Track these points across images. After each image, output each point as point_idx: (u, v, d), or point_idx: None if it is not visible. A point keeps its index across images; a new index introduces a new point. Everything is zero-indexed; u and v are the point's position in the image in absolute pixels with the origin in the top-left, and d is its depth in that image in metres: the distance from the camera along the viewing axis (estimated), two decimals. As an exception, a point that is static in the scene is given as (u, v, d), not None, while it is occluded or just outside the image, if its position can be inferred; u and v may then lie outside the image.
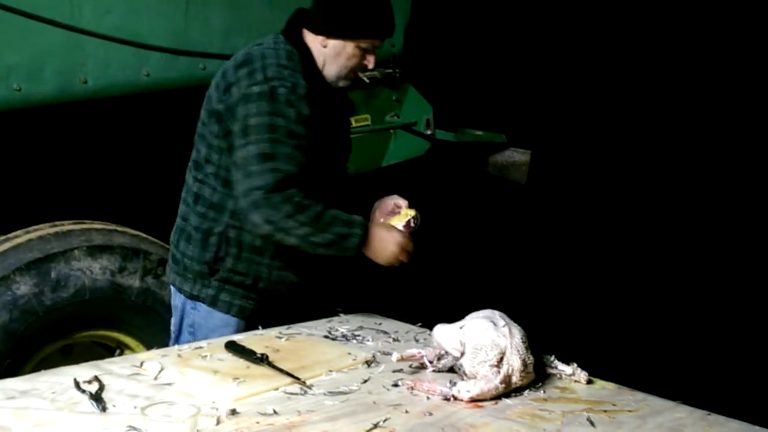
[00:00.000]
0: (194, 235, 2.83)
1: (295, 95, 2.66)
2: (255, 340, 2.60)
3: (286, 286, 2.86)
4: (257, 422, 2.04)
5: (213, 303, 2.83)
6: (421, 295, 5.34)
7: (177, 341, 2.89)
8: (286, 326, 2.77)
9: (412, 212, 2.75)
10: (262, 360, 2.38)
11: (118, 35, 3.33)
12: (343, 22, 2.70)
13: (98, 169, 3.70)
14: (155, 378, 2.31)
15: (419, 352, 2.41)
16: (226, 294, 2.83)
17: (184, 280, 2.86)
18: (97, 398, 2.13)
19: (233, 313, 2.84)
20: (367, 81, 2.77)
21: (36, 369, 2.88)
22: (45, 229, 3.27)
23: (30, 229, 3.28)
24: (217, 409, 2.09)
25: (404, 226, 2.73)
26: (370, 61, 2.75)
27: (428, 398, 2.22)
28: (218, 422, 2.03)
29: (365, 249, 2.69)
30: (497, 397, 2.22)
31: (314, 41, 2.74)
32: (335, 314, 2.91)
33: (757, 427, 2.13)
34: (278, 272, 2.83)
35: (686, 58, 8.03)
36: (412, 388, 2.27)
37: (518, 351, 2.27)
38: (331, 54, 2.73)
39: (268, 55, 2.73)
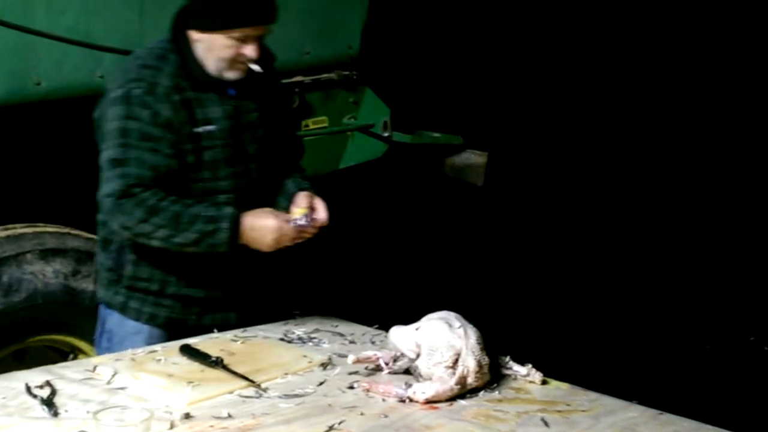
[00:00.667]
0: (99, 243, 2.82)
1: (153, 96, 2.59)
2: (210, 343, 2.59)
3: (204, 290, 2.77)
4: (211, 426, 2.04)
5: (123, 310, 2.77)
6: (378, 298, 5.34)
7: (98, 348, 2.84)
8: (241, 329, 2.76)
9: (303, 211, 2.67)
10: (217, 363, 2.37)
11: (72, 36, 3.29)
12: (206, 16, 2.61)
13: (51, 171, 3.66)
14: (108, 382, 2.29)
15: (375, 354, 2.42)
16: (135, 301, 2.76)
17: (100, 287, 2.83)
18: (48, 403, 2.11)
19: (143, 320, 2.76)
20: (260, 70, 2.64)
21: (-12, 374, 2.84)
22: (-4, 233, 3.23)
23: (-19, 232, 3.24)
24: (170, 413, 2.08)
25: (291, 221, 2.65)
26: (250, 50, 2.61)
27: (384, 400, 2.23)
28: (172, 426, 2.03)
29: (241, 241, 2.60)
30: (452, 399, 2.24)
31: (192, 36, 2.66)
32: (291, 317, 2.91)
33: (708, 426, 2.16)
34: (187, 276, 2.74)
35: (646, 51, 8.10)
36: (368, 390, 2.27)
37: (473, 352, 2.28)
38: (203, 48, 2.63)
39: (137, 56, 2.73)
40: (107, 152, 2.61)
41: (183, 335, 2.67)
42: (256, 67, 2.65)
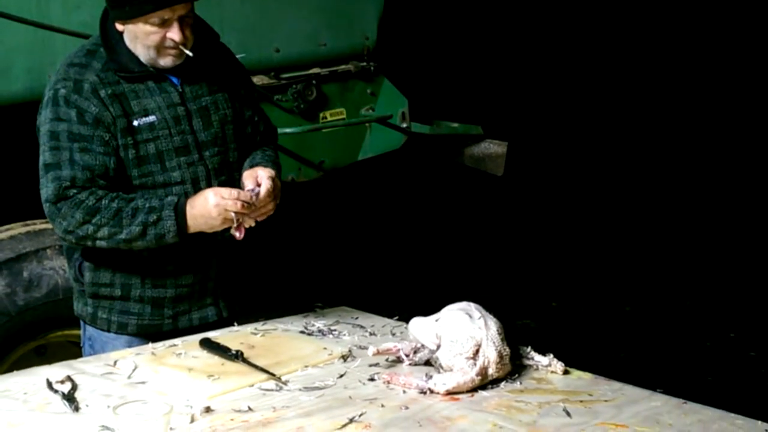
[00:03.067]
0: (65, 255, 2.75)
1: (78, 94, 2.50)
2: (230, 336, 2.59)
3: (171, 288, 2.65)
4: (232, 419, 2.03)
5: (93, 321, 2.67)
6: (398, 289, 5.34)
7: (84, 355, 2.72)
8: (261, 322, 2.76)
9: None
10: (237, 357, 2.36)
11: (88, 32, 3.29)
12: (122, 4, 2.48)
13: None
14: (129, 377, 2.29)
15: (395, 346, 2.41)
16: (102, 311, 2.65)
17: (73, 299, 2.76)
18: (69, 398, 2.11)
19: (113, 330, 2.65)
20: (190, 54, 2.49)
21: (10, 370, 2.85)
22: (17, 229, 3.25)
23: (1, 228, 3.26)
24: (191, 407, 2.08)
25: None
26: (174, 33, 2.47)
27: (404, 392, 2.21)
28: (192, 420, 2.02)
29: (191, 228, 2.49)
30: (473, 390, 2.22)
31: (118, 28, 2.56)
32: (312, 309, 2.90)
33: (732, 414, 2.13)
34: (150, 275, 2.62)
35: (661, 48, 8.07)
36: (389, 382, 2.26)
37: (494, 343, 2.26)
38: (130, 38, 2.52)
39: (67, 55, 2.64)
40: (41, 157, 2.53)
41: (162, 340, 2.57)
42: (187, 52, 2.51)
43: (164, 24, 2.47)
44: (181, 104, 2.60)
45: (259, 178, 2.53)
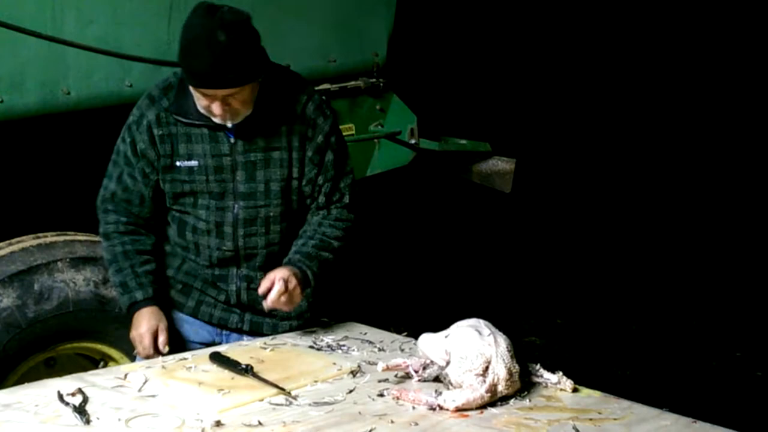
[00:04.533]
0: None
1: (138, 125, 2.76)
2: (240, 351, 2.60)
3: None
4: (242, 433, 2.04)
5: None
6: (407, 305, 5.34)
7: None
8: (270, 336, 2.77)
9: None
10: (247, 371, 2.37)
11: (101, 46, 3.31)
12: (181, 65, 2.64)
13: (81, 180, 3.68)
14: (139, 390, 2.30)
15: (404, 362, 2.41)
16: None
17: None
18: (80, 411, 2.12)
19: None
20: (230, 126, 2.65)
21: (20, 382, 2.86)
22: (28, 241, 3.25)
23: (13, 241, 3.26)
24: (201, 421, 2.09)
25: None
26: (215, 108, 2.60)
27: (414, 408, 2.22)
28: (203, 434, 2.03)
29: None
30: (483, 407, 2.23)
31: None
32: (321, 324, 2.90)
33: (741, 434, 2.13)
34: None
35: (672, 67, 8.07)
36: (398, 398, 2.27)
37: (503, 360, 2.27)
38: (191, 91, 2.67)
39: (156, 81, 2.87)
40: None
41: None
42: (228, 124, 2.64)
43: (207, 96, 2.60)
44: (229, 155, 2.73)
45: (275, 280, 2.66)
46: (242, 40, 2.53)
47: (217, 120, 2.65)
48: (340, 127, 4.06)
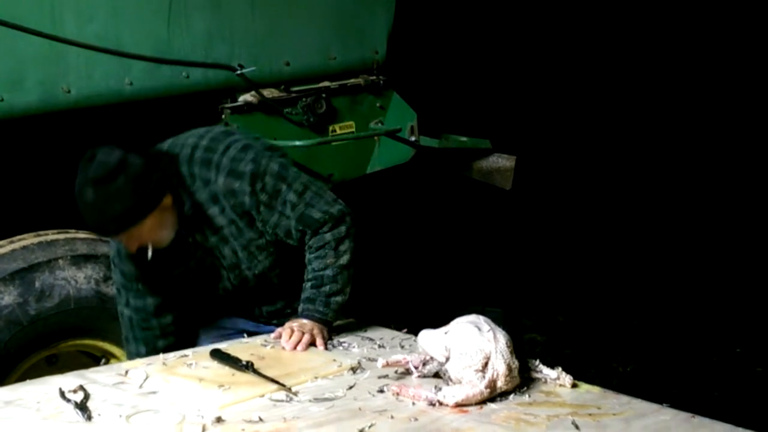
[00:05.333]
0: None
1: (119, 256, 2.92)
2: (240, 347, 2.61)
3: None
4: (243, 429, 2.05)
5: None
6: (406, 302, 5.34)
7: None
8: (270, 334, 2.77)
9: None
10: (248, 367, 2.38)
11: (101, 44, 3.32)
12: None
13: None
14: (140, 386, 2.31)
15: (404, 358, 2.42)
16: None
17: None
18: (82, 407, 2.13)
19: None
20: (149, 256, 2.72)
21: (21, 379, 2.87)
22: (29, 239, 3.26)
23: (14, 239, 3.27)
24: (202, 417, 2.09)
25: None
26: (127, 247, 2.73)
27: (414, 404, 2.22)
28: (204, 429, 2.04)
29: None
30: (482, 402, 2.23)
31: None
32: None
33: (740, 429, 2.13)
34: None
35: (672, 60, 8.07)
36: (398, 394, 2.27)
37: (503, 355, 2.27)
38: None
39: None
40: None
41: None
42: (149, 254, 2.70)
43: None
44: (194, 252, 2.82)
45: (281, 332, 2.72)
46: (110, 192, 2.55)
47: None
48: (341, 124, 4.11)
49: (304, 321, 2.73)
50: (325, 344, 2.68)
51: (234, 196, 2.73)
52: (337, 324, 2.85)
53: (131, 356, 2.91)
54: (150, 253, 2.68)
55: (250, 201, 2.72)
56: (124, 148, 2.61)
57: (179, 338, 2.92)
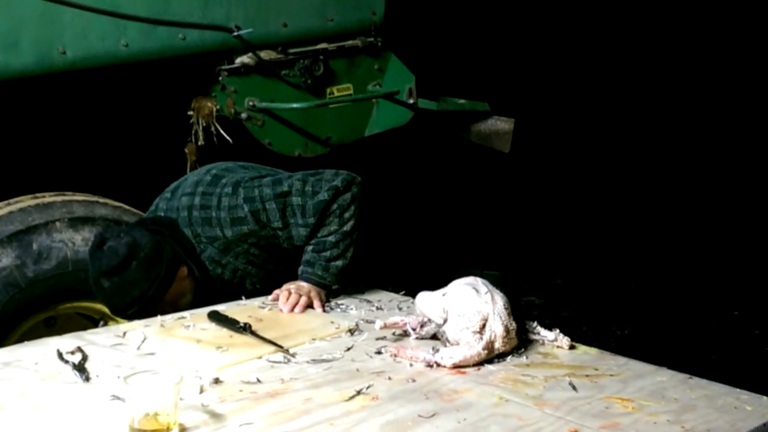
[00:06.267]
0: None
1: None
2: (238, 309, 2.61)
3: None
4: (240, 390, 2.05)
5: None
6: (404, 264, 5.35)
7: None
8: (269, 296, 2.77)
9: None
10: (245, 329, 2.38)
11: (97, 5, 3.29)
12: None
13: (79, 140, 3.68)
14: (138, 348, 2.31)
15: (402, 320, 2.42)
16: None
17: None
18: (80, 368, 2.13)
19: None
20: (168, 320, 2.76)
21: (20, 341, 2.85)
22: (26, 201, 3.25)
23: (11, 201, 3.26)
24: (200, 378, 2.10)
25: None
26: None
27: (411, 365, 2.23)
28: (201, 391, 2.04)
29: None
30: (480, 363, 2.24)
31: None
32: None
33: (737, 390, 2.15)
34: None
35: (670, 24, 8.02)
36: (396, 356, 2.28)
37: (501, 317, 2.28)
38: None
39: None
40: None
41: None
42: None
43: None
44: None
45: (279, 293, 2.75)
46: (125, 282, 2.64)
47: None
48: (338, 87, 4.08)
49: (302, 284, 2.74)
50: (323, 307, 2.69)
51: (249, 237, 2.80)
52: (335, 287, 2.86)
53: None
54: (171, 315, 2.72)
55: (266, 233, 2.80)
56: (128, 228, 2.71)
57: None
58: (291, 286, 2.73)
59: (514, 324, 2.31)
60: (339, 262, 2.79)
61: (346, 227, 2.78)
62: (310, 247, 2.80)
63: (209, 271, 2.84)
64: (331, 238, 2.77)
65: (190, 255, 2.79)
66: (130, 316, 2.71)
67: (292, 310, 2.63)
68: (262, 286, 2.88)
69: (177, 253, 2.74)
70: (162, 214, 2.88)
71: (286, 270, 2.86)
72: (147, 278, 2.65)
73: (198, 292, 2.82)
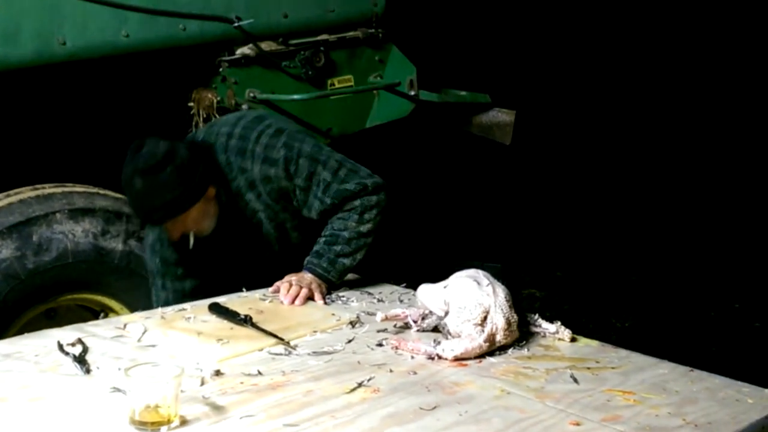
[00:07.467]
0: None
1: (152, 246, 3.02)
2: (239, 302, 2.60)
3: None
4: (241, 382, 2.05)
5: None
6: (405, 256, 5.35)
7: None
8: (269, 288, 2.77)
9: None
10: (246, 321, 2.38)
11: (96, -5, 3.28)
12: None
13: (79, 131, 3.67)
14: (139, 340, 2.31)
15: (403, 312, 2.42)
16: None
17: None
18: (80, 360, 2.13)
19: None
20: (190, 245, 2.82)
21: (20, 333, 2.86)
22: (26, 193, 3.25)
23: (11, 192, 3.26)
24: (201, 370, 2.09)
25: None
26: (170, 235, 2.81)
27: (412, 357, 2.23)
28: (202, 383, 2.04)
29: None
30: (481, 356, 2.23)
31: None
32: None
33: (739, 382, 2.14)
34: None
35: (671, 17, 8.00)
36: (397, 348, 2.28)
37: (502, 310, 2.27)
38: None
39: None
40: None
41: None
42: (191, 243, 2.79)
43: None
44: (231, 237, 2.88)
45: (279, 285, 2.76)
46: (158, 182, 2.64)
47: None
48: (339, 78, 4.07)
49: (305, 275, 2.74)
50: (324, 299, 2.68)
51: (270, 182, 2.81)
52: (336, 283, 2.86)
53: None
54: (192, 242, 2.76)
55: (286, 185, 2.81)
56: (169, 139, 2.71)
57: None
58: (293, 277, 2.72)
59: (515, 316, 2.31)
60: (347, 261, 2.79)
61: (363, 228, 2.80)
62: (322, 239, 2.82)
63: (234, 201, 2.84)
64: (345, 234, 2.79)
65: (220, 179, 2.80)
66: (154, 221, 2.75)
67: (293, 302, 2.63)
68: (263, 278, 2.88)
69: (211, 171, 2.77)
70: (201, 138, 2.93)
71: (288, 263, 2.85)
72: (180, 184, 2.65)
73: (221, 221, 2.81)
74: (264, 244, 2.93)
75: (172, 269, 2.96)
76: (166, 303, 2.92)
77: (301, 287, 2.67)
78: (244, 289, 2.78)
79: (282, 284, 2.71)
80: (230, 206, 2.83)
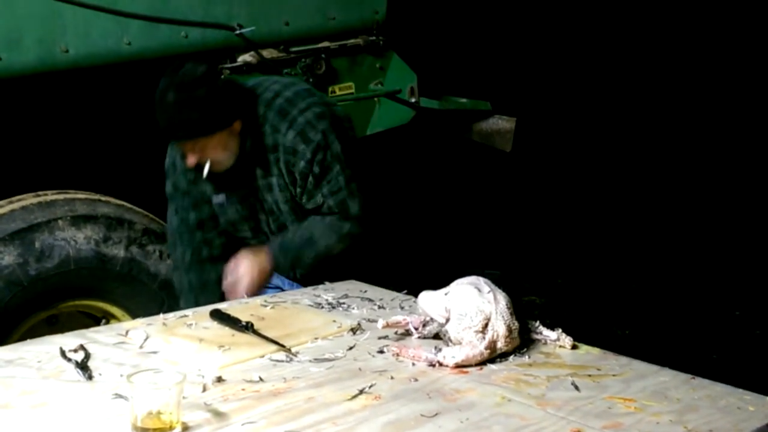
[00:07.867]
0: None
1: (174, 169, 3.07)
2: (240, 308, 2.61)
3: None
4: (243, 389, 2.05)
5: None
6: (406, 263, 5.35)
7: None
8: (270, 294, 2.77)
9: None
10: (248, 328, 2.38)
11: (99, 3, 3.29)
12: None
13: (81, 138, 3.68)
14: (141, 346, 2.31)
15: (404, 319, 2.42)
16: None
17: None
18: (83, 366, 2.13)
19: None
20: (205, 174, 2.87)
21: (22, 339, 2.87)
22: (28, 199, 3.25)
23: (13, 199, 3.26)
24: (203, 377, 2.09)
25: None
26: (187, 160, 2.85)
27: (414, 364, 2.23)
28: (204, 389, 2.04)
29: None
30: (482, 363, 2.23)
31: None
32: (321, 283, 2.92)
33: (740, 390, 2.14)
34: None
35: (671, 22, 8.02)
36: (398, 355, 2.28)
37: (503, 317, 2.27)
38: None
39: None
40: None
41: None
42: (205, 171, 2.83)
43: (179, 148, 2.90)
44: (242, 185, 2.96)
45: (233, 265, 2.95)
46: (191, 98, 2.69)
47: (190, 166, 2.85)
48: (340, 85, 4.08)
49: (261, 251, 2.95)
50: (252, 289, 2.90)
51: (293, 155, 2.88)
52: (337, 285, 2.87)
53: (176, 262, 3.10)
54: (206, 172, 2.80)
55: (304, 166, 2.88)
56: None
57: (224, 252, 3.05)
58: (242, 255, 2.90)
59: (516, 323, 2.31)
60: (296, 260, 2.96)
61: (333, 249, 2.99)
62: (296, 227, 2.97)
63: (256, 148, 2.88)
64: (315, 242, 2.95)
65: (251, 122, 2.85)
66: (179, 136, 2.78)
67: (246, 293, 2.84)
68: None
69: (242, 107, 2.82)
70: (249, 85, 2.99)
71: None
72: (210, 104, 2.70)
73: (237, 165, 2.86)
74: (269, 209, 2.99)
75: (178, 196, 3.04)
76: (177, 229, 3.06)
77: (237, 280, 2.90)
78: (245, 296, 2.78)
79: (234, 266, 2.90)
80: (250, 155, 2.88)
